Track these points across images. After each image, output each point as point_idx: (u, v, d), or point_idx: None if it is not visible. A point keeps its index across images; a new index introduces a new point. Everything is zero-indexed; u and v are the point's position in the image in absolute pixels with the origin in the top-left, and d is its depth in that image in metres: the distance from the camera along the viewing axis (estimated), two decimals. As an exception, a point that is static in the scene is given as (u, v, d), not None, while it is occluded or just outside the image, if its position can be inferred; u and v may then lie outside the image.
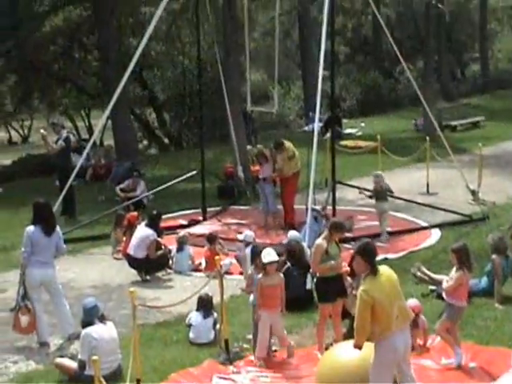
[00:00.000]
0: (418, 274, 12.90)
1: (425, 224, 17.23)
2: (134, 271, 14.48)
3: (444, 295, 10.40)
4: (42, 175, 26.24)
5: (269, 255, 10.32)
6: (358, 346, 8.17)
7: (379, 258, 10.39)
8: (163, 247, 14.74)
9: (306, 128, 28.82)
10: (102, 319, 10.28)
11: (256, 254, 11.02)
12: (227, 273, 13.48)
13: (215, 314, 11.25)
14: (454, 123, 32.62)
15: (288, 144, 17.55)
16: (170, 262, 14.89)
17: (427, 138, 21.13)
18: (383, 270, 8.28)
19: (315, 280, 10.86)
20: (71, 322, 11.55)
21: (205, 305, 11.34)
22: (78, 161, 18.46)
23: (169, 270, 14.81)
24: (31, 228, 11.49)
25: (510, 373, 9.54)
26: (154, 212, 15.20)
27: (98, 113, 35.19)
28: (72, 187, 18.11)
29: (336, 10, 18.12)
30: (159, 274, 14.63)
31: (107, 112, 18.42)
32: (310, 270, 11.51)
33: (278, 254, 10.66)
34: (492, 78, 47.37)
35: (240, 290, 12.84)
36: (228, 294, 11.56)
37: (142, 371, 9.45)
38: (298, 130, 33.37)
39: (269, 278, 10.35)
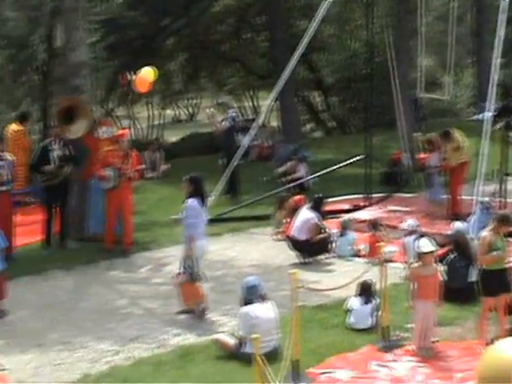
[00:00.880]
0: None
1: None
2: (294, 253, 14.49)
3: None
4: (207, 153, 26.60)
5: (427, 245, 10.12)
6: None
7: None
8: (326, 231, 14.67)
9: (478, 117, 27.97)
10: (263, 298, 10.32)
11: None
12: (390, 260, 13.26)
13: (375, 301, 11.10)
14: None
15: (456, 134, 17.11)
16: (332, 245, 14.81)
17: None
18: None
19: (480, 272, 10.57)
20: None
21: (366, 291, 11.22)
22: (243, 141, 18.64)
23: (330, 254, 14.74)
24: (194, 200, 11.65)
25: None
26: (318, 195, 15.16)
27: (264, 94, 35.31)
28: (236, 167, 18.31)
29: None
30: (320, 258, 14.59)
31: (275, 93, 18.48)
32: (474, 262, 11.22)
33: (439, 245, 10.45)
34: None
35: (399, 278, 12.62)
36: (390, 282, 11.38)
37: (300, 352, 9.43)
38: (468, 119, 32.46)
39: (425, 269, 10.14)
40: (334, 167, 19.36)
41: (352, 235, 14.90)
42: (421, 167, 18.74)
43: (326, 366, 9.90)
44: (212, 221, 16.82)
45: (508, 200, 16.10)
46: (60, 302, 12.69)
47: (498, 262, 10.33)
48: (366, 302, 11.15)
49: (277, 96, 19.95)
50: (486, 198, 15.06)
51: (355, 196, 18.96)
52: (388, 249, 13.03)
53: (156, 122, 38.25)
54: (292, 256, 14.46)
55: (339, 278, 12.88)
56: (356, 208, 17.96)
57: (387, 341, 10.44)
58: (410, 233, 13.36)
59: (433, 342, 10.41)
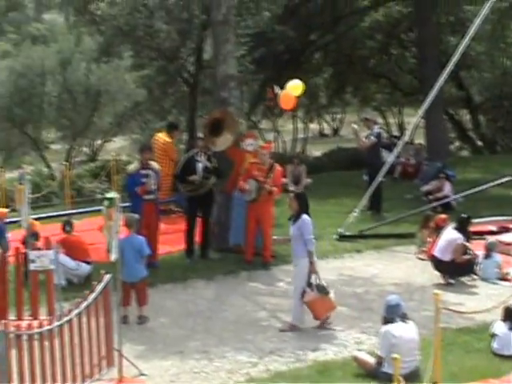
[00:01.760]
0: None
1: None
2: (437, 273, 14.15)
3: None
4: (350, 169, 26.49)
5: None
6: None
7: None
8: (470, 252, 14.27)
9: None
10: (404, 318, 10.10)
11: None
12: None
13: (522, 328, 10.69)
14: None
15: None
16: (476, 267, 14.39)
17: None
18: None
19: None
20: None
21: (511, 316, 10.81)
22: (388, 157, 18.38)
23: (474, 276, 14.32)
24: (308, 217, 11.83)
25: None
26: (464, 215, 14.78)
27: (410, 110, 34.95)
28: (380, 183, 18.09)
29: None
30: (464, 279, 14.18)
31: (422, 110, 18.17)
32: None
33: None
34: None
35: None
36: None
37: (441, 376, 9.16)
38: None
39: None
40: (481, 187, 18.81)
41: (497, 258, 14.44)
42: None
43: (467, 390, 9.60)
44: (354, 237, 16.76)
45: None
46: (200, 311, 12.81)
47: None
48: (512, 328, 10.75)
49: (423, 113, 19.62)
50: None
51: (502, 218, 18.35)
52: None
53: (300, 136, 38.42)
54: (435, 276, 14.13)
55: (483, 301, 12.52)
56: (503, 230, 17.39)
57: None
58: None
59: None
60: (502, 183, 18.80)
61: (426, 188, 20.23)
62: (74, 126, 33.21)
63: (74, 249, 14.06)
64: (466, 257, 14.11)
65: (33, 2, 71.19)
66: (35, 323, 9.72)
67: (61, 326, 9.34)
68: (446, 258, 13.92)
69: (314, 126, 44.84)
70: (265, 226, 15.17)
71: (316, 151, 35.53)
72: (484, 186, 18.87)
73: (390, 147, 22.30)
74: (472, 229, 15.27)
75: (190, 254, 15.54)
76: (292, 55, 28.45)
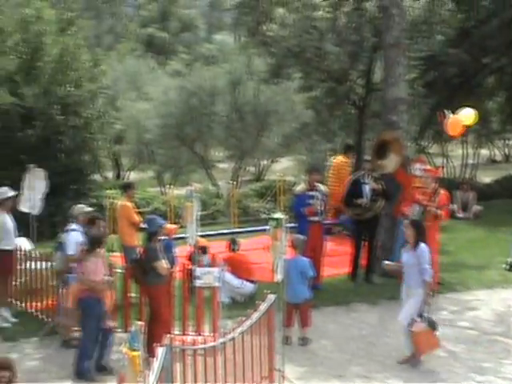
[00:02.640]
0: None
1: None
2: None
3: None
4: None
5: None
6: None
7: None
8: None
9: None
10: None
11: None
12: None
13: None
14: None
15: None
16: None
17: None
18: None
19: None
20: None
21: None
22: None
23: None
24: (425, 246, 11.36)
25: None
26: None
27: None
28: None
29: None
30: None
31: None
32: None
33: None
34: None
35: None
36: None
37: None
38: None
39: None
40: None
41: None
42: None
43: None
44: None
45: None
46: (362, 336, 12.65)
47: None
48: None
49: None
50: None
51: None
52: None
53: (470, 161, 37.54)
54: None
55: None
56: None
57: None
58: None
59: None
60: None
61: None
62: (242, 145, 33.66)
63: (239, 267, 14.24)
64: None
65: (205, 23, 73.23)
66: (199, 339, 9.84)
67: (224, 343, 9.40)
68: None
69: (484, 152, 43.68)
70: (431, 251, 14.81)
71: (486, 177, 34.59)
72: None
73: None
74: None
75: (354, 277, 15.42)
76: (464, 79, 27.83)
